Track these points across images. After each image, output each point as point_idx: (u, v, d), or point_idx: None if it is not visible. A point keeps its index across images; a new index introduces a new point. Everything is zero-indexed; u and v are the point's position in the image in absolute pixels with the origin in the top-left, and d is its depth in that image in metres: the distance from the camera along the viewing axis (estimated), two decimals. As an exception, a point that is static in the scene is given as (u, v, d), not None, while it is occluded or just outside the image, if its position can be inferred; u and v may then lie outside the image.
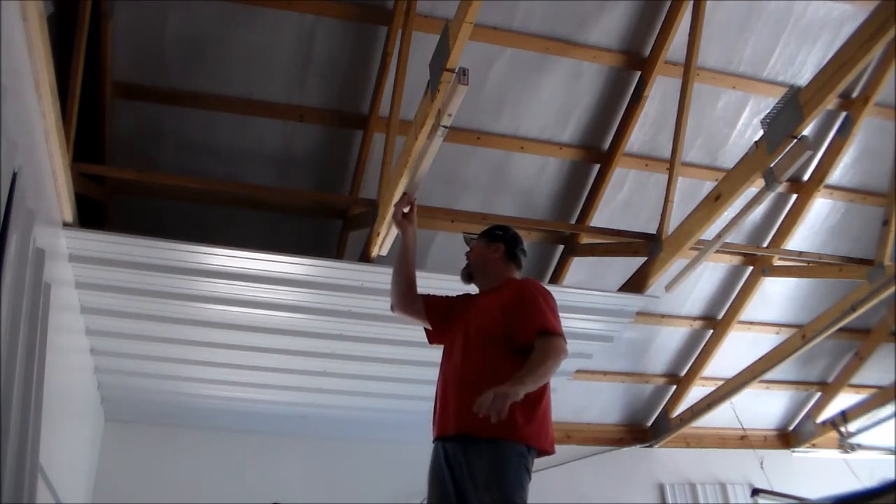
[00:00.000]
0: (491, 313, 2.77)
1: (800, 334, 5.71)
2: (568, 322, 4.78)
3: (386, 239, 4.22)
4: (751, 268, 6.02)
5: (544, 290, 2.86)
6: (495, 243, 3.03)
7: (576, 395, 6.30)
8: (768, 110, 3.84)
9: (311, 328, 4.64)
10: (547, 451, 2.61)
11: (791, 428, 7.38)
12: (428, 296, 3.09)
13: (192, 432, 5.74)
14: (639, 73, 4.97)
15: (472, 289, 3.09)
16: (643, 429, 6.99)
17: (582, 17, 4.66)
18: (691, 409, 6.55)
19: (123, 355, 4.80)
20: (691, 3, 4.61)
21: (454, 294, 3.11)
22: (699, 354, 6.49)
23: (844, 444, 7.05)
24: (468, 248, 3.11)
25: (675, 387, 6.72)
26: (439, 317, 3.02)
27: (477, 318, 2.81)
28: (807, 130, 3.65)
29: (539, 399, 2.60)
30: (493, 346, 2.69)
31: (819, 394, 7.15)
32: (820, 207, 5.81)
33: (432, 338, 3.08)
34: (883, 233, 5.38)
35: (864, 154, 5.63)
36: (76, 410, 4.50)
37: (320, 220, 5.18)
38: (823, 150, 5.51)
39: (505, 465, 2.45)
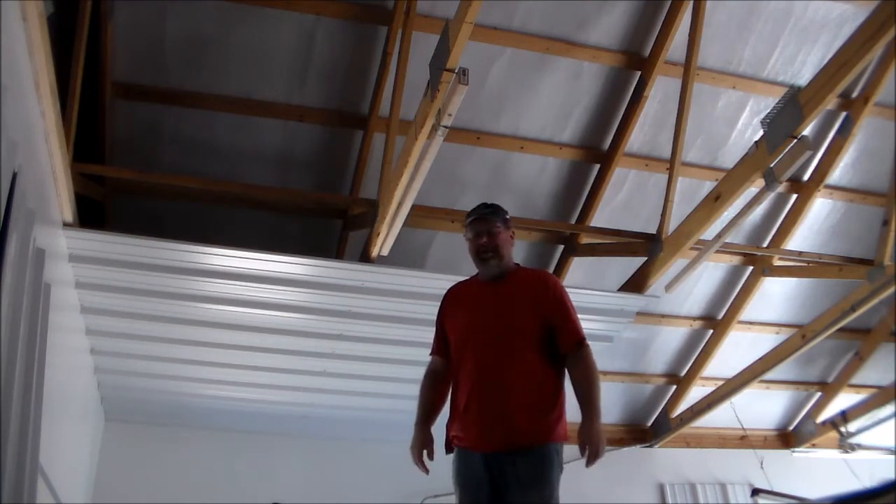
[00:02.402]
0: (522, 314, 2.76)
1: (800, 334, 5.71)
2: (568, 322, 4.82)
3: (386, 239, 4.22)
4: (751, 268, 6.02)
5: (563, 286, 2.94)
6: (509, 227, 2.95)
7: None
8: (768, 110, 3.85)
9: (311, 328, 4.64)
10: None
11: (791, 428, 7.37)
12: (437, 353, 2.99)
13: (192, 432, 5.74)
14: (639, 73, 4.97)
15: (439, 280, 2.98)
16: (643, 429, 6.99)
17: (582, 17, 4.66)
18: (691, 409, 6.55)
19: (123, 355, 4.80)
20: (691, 3, 4.61)
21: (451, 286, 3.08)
22: (699, 354, 6.49)
23: (844, 444, 7.05)
24: (487, 234, 2.87)
25: (675, 387, 6.72)
26: (447, 348, 2.97)
27: (503, 318, 2.76)
28: (807, 130, 3.65)
29: (562, 398, 2.78)
30: (531, 351, 2.72)
31: (819, 394, 7.15)
32: (820, 207, 5.81)
33: (437, 352, 3.02)
34: (883, 233, 5.38)
35: (864, 154, 5.63)
36: (76, 410, 4.50)
37: (320, 220, 5.18)
38: (823, 150, 5.51)
39: (549, 466, 2.62)
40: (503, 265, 2.88)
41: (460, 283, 3.05)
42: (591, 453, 2.58)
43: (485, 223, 2.89)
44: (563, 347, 2.76)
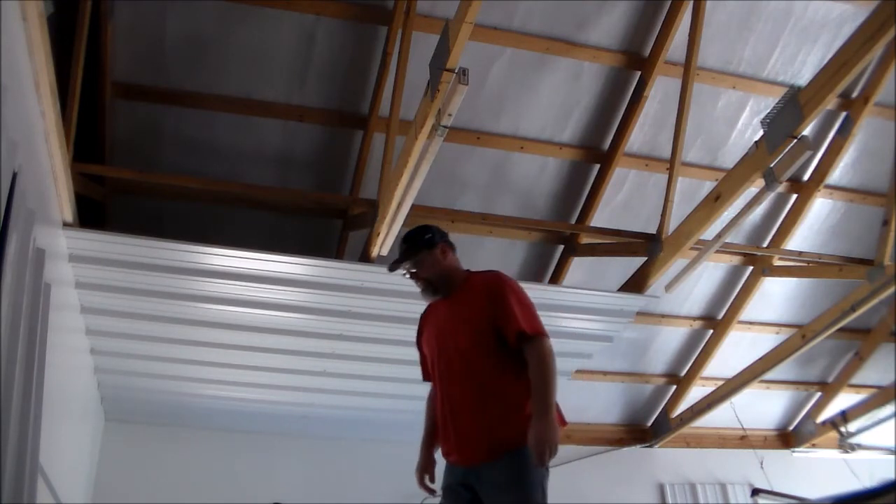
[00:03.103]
0: (476, 326, 2.73)
1: (800, 334, 5.71)
2: (568, 322, 4.83)
3: (386, 239, 4.22)
4: (751, 268, 6.02)
5: (510, 282, 2.81)
6: (437, 246, 2.90)
7: (576, 395, 6.30)
8: (768, 110, 3.85)
9: (311, 328, 4.63)
10: None
11: (791, 428, 7.38)
12: (427, 378, 3.01)
13: (192, 432, 5.75)
14: (639, 73, 4.97)
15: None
16: (643, 429, 6.99)
17: (582, 17, 4.66)
18: (691, 409, 6.56)
19: (123, 355, 4.80)
20: (691, 3, 4.61)
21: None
22: (699, 354, 6.49)
23: (844, 444, 7.05)
24: (412, 272, 2.90)
25: (675, 387, 6.72)
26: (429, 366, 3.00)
27: (463, 334, 2.75)
28: (807, 130, 3.65)
29: None
30: (489, 358, 2.69)
31: (819, 394, 7.15)
32: (820, 207, 5.81)
33: (427, 377, 3.05)
34: (883, 233, 5.38)
35: (864, 154, 5.63)
36: (76, 410, 4.49)
37: (320, 220, 5.18)
38: (823, 150, 5.51)
39: (526, 468, 2.53)
40: (440, 288, 2.87)
41: (429, 304, 3.02)
42: (536, 455, 2.43)
43: (404, 263, 2.90)
44: (511, 344, 2.66)
